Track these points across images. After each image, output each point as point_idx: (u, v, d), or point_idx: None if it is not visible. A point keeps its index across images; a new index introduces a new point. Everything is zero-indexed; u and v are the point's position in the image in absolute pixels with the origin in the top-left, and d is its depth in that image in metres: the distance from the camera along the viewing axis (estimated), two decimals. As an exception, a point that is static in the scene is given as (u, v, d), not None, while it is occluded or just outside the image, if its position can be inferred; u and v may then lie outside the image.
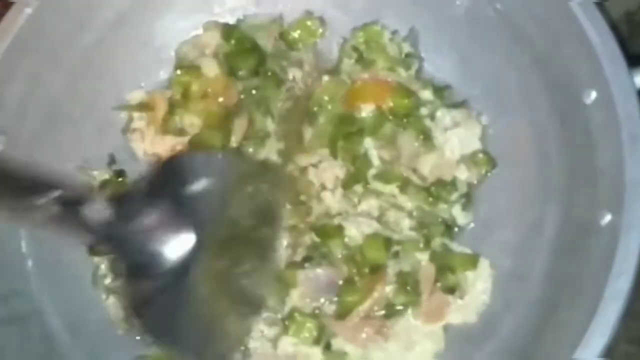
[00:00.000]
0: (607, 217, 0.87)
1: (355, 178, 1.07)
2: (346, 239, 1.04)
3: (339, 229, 1.04)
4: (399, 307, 1.02)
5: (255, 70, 1.12)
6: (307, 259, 1.04)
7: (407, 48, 1.13)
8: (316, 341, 1.01)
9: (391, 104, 1.08)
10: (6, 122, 1.02)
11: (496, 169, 1.08)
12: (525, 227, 1.02)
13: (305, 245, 1.05)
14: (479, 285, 1.04)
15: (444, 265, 1.03)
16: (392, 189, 1.06)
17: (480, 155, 1.07)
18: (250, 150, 1.09)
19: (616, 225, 0.86)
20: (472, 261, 1.04)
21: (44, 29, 1.03)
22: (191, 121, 1.10)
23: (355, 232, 1.04)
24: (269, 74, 1.12)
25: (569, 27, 0.91)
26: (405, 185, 1.06)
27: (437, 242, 1.05)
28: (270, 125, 1.10)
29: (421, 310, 1.03)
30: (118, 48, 1.13)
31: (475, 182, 1.08)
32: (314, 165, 1.08)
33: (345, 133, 1.08)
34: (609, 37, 0.89)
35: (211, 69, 1.11)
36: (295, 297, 1.03)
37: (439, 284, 1.03)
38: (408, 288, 1.02)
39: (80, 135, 1.11)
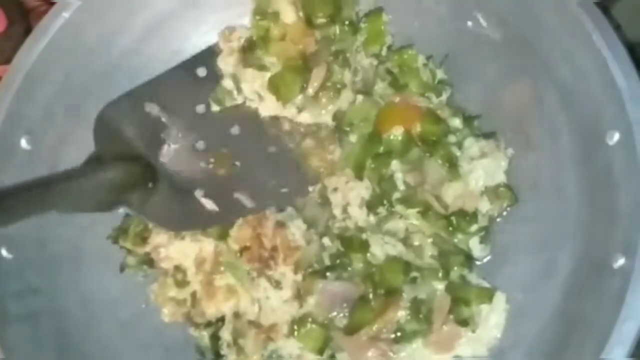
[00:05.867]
0: (621, 261, 0.87)
1: (380, 199, 1.08)
2: (369, 256, 1.05)
3: (364, 244, 1.05)
4: (409, 333, 1.02)
5: (332, 18, 1.12)
6: (329, 268, 1.06)
7: (440, 74, 1.14)
8: (320, 351, 1.03)
9: (420, 129, 1.08)
10: (34, 121, 1.05)
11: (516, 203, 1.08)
12: (540, 264, 1.02)
13: (330, 252, 1.07)
14: (492, 320, 1.03)
15: (460, 297, 1.03)
16: (413, 213, 1.06)
17: (503, 189, 1.07)
18: (324, 100, 1.12)
19: (629, 269, 0.86)
20: (488, 295, 1.03)
21: (80, 31, 1.06)
22: (270, 61, 1.12)
23: (379, 251, 1.05)
24: (346, 22, 1.13)
25: (595, 67, 0.92)
26: (426, 211, 1.06)
27: (455, 272, 1.05)
28: (347, 77, 1.12)
29: (431, 339, 1.03)
30: (151, 54, 1.14)
31: (495, 215, 1.07)
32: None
33: (374, 153, 1.09)
34: (636, 79, 0.90)
35: (289, 15, 1.12)
36: (311, 304, 1.04)
37: (452, 316, 1.03)
38: (421, 316, 1.02)
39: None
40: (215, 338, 1.08)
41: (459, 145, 1.09)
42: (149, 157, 1.09)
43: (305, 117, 1.13)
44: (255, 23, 1.14)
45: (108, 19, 1.08)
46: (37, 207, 0.91)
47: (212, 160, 1.12)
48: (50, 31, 1.04)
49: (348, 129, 1.11)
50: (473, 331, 1.03)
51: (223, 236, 1.07)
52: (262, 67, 1.12)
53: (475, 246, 1.06)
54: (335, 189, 1.09)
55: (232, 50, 1.14)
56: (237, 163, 1.12)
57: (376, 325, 1.02)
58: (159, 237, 1.08)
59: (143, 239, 1.09)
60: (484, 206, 1.06)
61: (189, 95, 1.14)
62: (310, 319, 1.04)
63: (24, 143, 1.04)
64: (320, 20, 1.12)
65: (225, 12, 1.16)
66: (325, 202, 1.10)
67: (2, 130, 1.02)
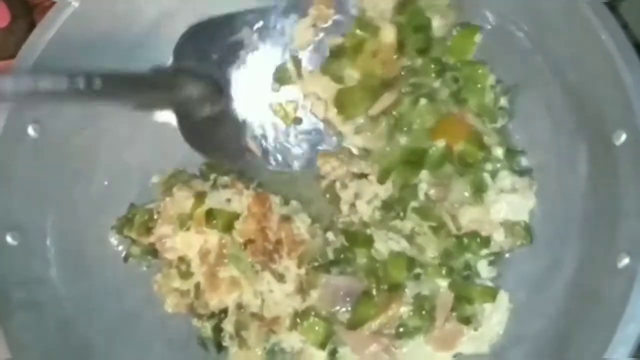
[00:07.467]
0: (625, 260, 0.87)
1: (395, 204, 1.06)
2: (373, 251, 1.05)
3: (369, 240, 1.05)
4: (412, 329, 1.03)
5: (422, 50, 1.08)
6: (333, 262, 1.06)
7: (503, 102, 1.08)
8: (322, 345, 1.03)
9: (461, 147, 1.05)
10: (42, 112, 1.04)
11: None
12: (545, 263, 1.01)
13: (334, 247, 1.07)
14: (495, 318, 1.03)
15: (463, 295, 1.03)
16: (425, 226, 1.05)
17: (520, 229, 1.04)
18: (383, 126, 1.09)
19: (633, 269, 0.85)
20: (491, 294, 1.03)
21: (86, 24, 1.05)
22: (351, 73, 1.10)
23: (383, 246, 1.04)
24: (433, 59, 1.08)
25: (603, 67, 0.91)
26: (439, 228, 1.04)
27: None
28: (411, 114, 1.07)
29: (433, 336, 1.03)
30: (157, 47, 1.12)
31: (506, 249, 1.05)
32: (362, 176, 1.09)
33: (406, 160, 1.06)
34: (644, 79, 0.89)
35: (389, 35, 1.09)
36: (314, 298, 1.05)
37: (454, 313, 1.03)
38: (424, 312, 1.03)
39: (115, 129, 1.13)
40: (217, 329, 1.08)
41: (493, 174, 1.05)
42: (224, 83, 1.12)
43: (358, 140, 1.11)
44: (353, 31, 1.10)
45: (114, 11, 1.08)
46: (121, 94, 0.99)
47: (282, 105, 1.14)
48: (55, 25, 1.03)
49: (405, 128, 1.07)
50: (475, 329, 1.03)
51: (228, 228, 1.06)
52: (338, 79, 1.11)
53: (483, 268, 1.05)
54: (345, 186, 1.08)
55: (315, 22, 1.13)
56: (301, 116, 1.14)
57: (379, 320, 1.02)
58: (163, 228, 1.08)
59: (148, 229, 1.09)
60: (499, 236, 1.04)
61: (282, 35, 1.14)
62: (313, 313, 1.04)
63: (31, 131, 1.04)
64: (411, 50, 1.08)
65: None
66: (332, 197, 1.10)
67: (10, 119, 1.02)
